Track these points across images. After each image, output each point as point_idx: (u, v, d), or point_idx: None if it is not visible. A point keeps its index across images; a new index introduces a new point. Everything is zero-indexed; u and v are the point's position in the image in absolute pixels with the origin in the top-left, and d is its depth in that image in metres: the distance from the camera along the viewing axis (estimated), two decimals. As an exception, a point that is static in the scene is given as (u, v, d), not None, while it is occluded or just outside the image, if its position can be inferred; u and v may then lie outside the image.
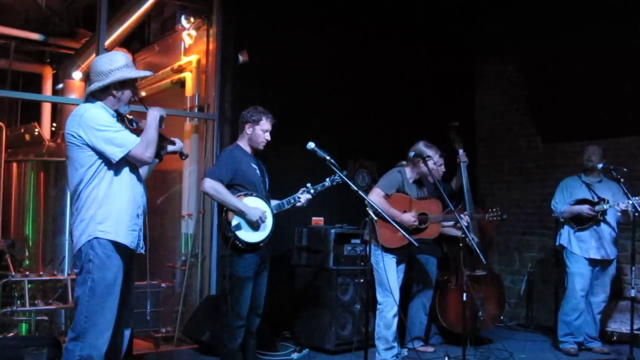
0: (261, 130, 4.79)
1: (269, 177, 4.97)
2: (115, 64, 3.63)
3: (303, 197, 4.84)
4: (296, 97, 6.67)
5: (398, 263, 5.38)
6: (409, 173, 5.48)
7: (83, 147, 3.51)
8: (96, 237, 3.50)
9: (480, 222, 6.38)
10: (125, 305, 3.72)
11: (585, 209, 6.01)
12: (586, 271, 6.11)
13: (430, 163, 5.33)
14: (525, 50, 8.22)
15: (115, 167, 3.57)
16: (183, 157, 4.05)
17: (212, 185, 4.53)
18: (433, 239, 5.92)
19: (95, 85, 3.62)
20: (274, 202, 4.83)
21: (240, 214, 4.56)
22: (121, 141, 3.51)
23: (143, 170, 3.85)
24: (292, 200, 4.84)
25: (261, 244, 4.68)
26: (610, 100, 7.15)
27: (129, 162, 3.61)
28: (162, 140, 3.88)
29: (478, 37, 8.68)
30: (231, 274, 4.56)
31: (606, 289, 6.21)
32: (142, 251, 3.77)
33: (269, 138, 4.84)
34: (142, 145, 3.55)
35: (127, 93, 3.70)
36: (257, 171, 4.83)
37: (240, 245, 4.54)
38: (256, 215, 4.57)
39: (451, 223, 5.74)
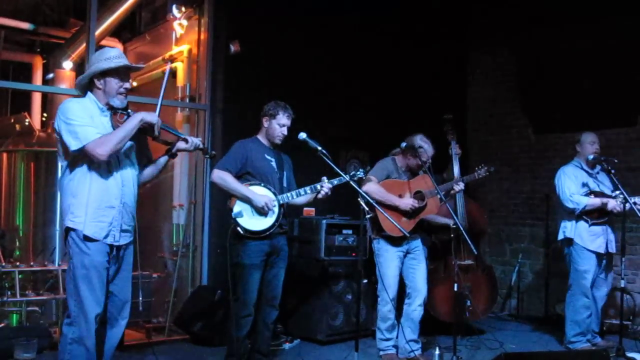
0: (277, 125, 4.81)
1: (291, 172, 4.98)
2: (99, 57, 3.72)
3: (326, 186, 4.72)
4: (288, 88, 6.62)
5: (410, 251, 5.41)
6: (400, 162, 5.50)
7: (59, 139, 3.63)
8: (69, 227, 3.62)
9: (472, 213, 6.39)
10: (119, 293, 3.78)
11: (616, 204, 5.68)
12: (595, 267, 5.90)
13: (423, 155, 5.34)
14: (518, 42, 8.25)
15: (88, 158, 3.59)
16: (207, 156, 4.03)
17: (218, 175, 4.63)
18: (421, 229, 5.95)
19: (78, 79, 3.78)
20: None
21: (247, 200, 4.59)
22: (80, 135, 3.52)
23: (151, 169, 3.98)
24: (314, 189, 4.74)
25: (266, 233, 4.66)
26: (602, 91, 7.18)
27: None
28: (172, 136, 3.85)
29: (471, 28, 8.69)
30: (236, 262, 4.61)
31: (609, 281, 6.06)
32: (115, 243, 3.71)
33: (285, 133, 4.84)
34: (96, 142, 3.52)
35: (111, 84, 3.70)
36: (273, 163, 4.84)
37: (241, 232, 4.57)
38: (262, 202, 4.58)
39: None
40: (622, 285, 5.75)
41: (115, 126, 3.66)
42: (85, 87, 3.75)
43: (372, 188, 5.16)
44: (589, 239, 5.87)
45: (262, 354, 4.89)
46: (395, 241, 5.31)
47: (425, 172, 5.40)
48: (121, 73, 3.73)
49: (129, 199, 3.78)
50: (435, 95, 7.88)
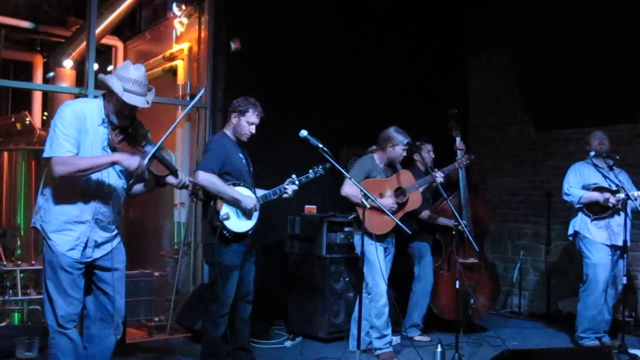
0: (246, 122, 4.72)
1: (253, 167, 4.95)
2: (124, 72, 3.53)
3: (289, 188, 4.81)
4: (289, 85, 6.64)
5: (386, 251, 5.42)
6: (378, 158, 5.50)
7: None
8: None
9: (477, 212, 6.37)
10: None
11: (609, 198, 5.65)
12: (608, 260, 5.78)
13: (398, 148, 5.38)
14: (519, 38, 8.21)
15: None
16: (194, 199, 3.91)
17: (206, 178, 4.50)
18: (424, 226, 5.96)
19: (102, 77, 3.55)
20: (259, 192, 4.81)
21: (235, 202, 4.55)
22: (54, 145, 3.43)
23: (141, 188, 3.86)
24: (278, 191, 4.80)
25: (249, 233, 4.68)
26: (603, 87, 7.15)
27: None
28: (163, 169, 3.65)
29: (471, 24, 8.67)
30: (217, 263, 4.55)
31: (623, 278, 5.83)
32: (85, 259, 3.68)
33: (253, 131, 4.77)
34: (61, 160, 3.40)
35: (113, 104, 3.54)
36: (244, 160, 4.81)
37: (227, 235, 4.54)
38: (251, 204, 4.58)
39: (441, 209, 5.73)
40: (625, 282, 5.73)
41: (110, 143, 3.55)
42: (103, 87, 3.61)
43: (351, 191, 5.14)
44: (596, 232, 5.82)
45: (245, 350, 4.90)
46: (379, 238, 5.31)
47: (426, 171, 5.40)
48: (120, 103, 3.53)
49: (104, 215, 3.64)
50: (436, 92, 7.87)
